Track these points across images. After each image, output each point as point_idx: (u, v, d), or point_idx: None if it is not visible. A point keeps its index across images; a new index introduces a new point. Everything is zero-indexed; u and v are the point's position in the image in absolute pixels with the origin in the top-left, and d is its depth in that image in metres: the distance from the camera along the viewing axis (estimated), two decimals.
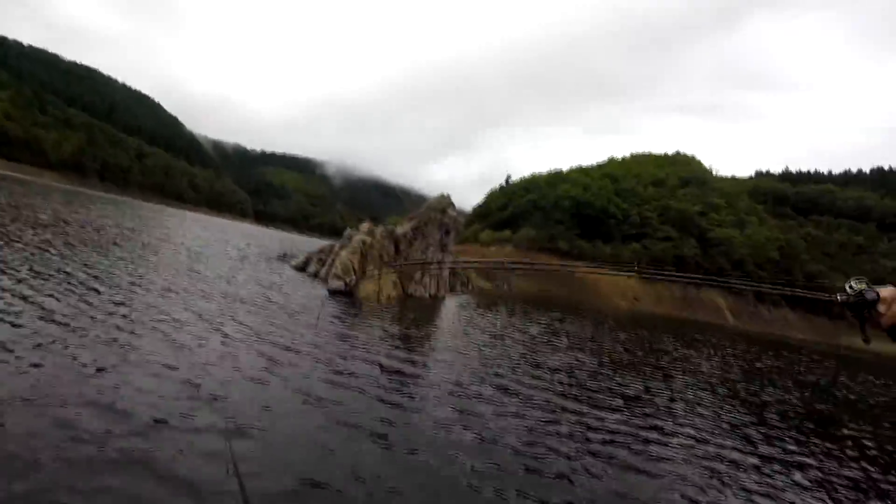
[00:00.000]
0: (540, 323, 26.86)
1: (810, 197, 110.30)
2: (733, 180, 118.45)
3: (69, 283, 12.69)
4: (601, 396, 12.83)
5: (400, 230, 28.71)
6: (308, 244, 57.53)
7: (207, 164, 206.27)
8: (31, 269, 13.00)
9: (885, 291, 1.88)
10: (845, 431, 13.79)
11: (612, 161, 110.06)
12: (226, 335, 11.49)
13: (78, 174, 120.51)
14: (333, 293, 21.70)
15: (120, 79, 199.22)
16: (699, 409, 13.33)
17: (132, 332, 10.02)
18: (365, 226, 27.35)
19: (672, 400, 13.93)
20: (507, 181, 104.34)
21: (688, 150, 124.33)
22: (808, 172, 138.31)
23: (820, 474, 9.77)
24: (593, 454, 8.71)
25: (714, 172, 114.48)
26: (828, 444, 11.95)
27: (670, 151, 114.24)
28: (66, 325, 9.42)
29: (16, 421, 5.76)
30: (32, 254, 15.05)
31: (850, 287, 1.99)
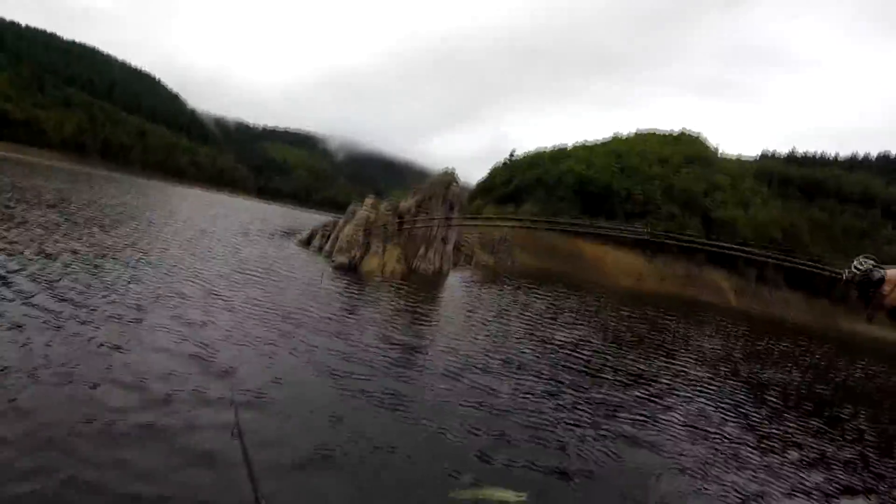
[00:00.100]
0: (544, 299, 26.91)
1: (815, 180, 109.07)
2: (738, 160, 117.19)
3: (77, 262, 12.74)
4: (605, 372, 12.92)
5: (404, 205, 28.60)
6: (311, 219, 57.50)
7: (209, 140, 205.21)
8: (39, 250, 13.03)
9: (892, 272, 1.88)
10: (843, 414, 13.88)
11: (616, 138, 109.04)
12: (233, 310, 11.57)
13: (79, 153, 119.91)
14: (338, 268, 21.74)
15: (119, 56, 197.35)
16: (701, 387, 13.42)
17: (142, 309, 10.10)
18: (369, 201, 27.26)
19: (675, 377, 14.01)
20: (510, 156, 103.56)
21: (693, 129, 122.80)
22: (814, 155, 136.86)
23: (817, 454, 9.89)
24: (597, 427, 8.82)
25: (719, 152, 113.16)
26: (825, 426, 12.06)
27: (676, 130, 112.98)
28: (77, 303, 9.49)
29: (31, 397, 5.83)
30: (40, 234, 15.06)
31: (857, 266, 1.99)
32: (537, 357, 13.08)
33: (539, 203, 78.65)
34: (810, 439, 10.84)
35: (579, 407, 9.74)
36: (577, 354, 14.31)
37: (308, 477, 5.41)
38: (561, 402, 9.82)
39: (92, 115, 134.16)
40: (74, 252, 13.65)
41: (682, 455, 8.29)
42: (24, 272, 10.67)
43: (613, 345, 17.15)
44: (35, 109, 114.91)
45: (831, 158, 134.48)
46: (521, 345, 14.21)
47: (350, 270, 21.86)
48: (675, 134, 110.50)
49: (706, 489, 7.26)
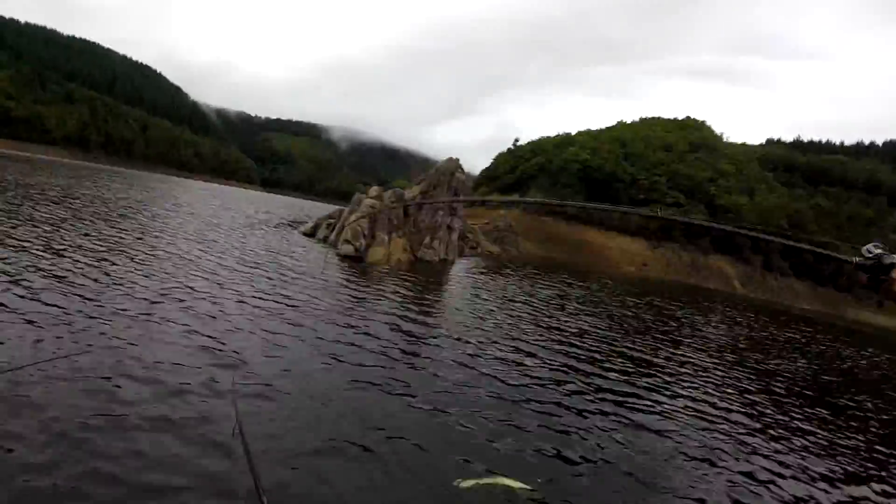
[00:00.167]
0: (549, 287, 26.91)
1: (821, 167, 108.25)
2: (743, 147, 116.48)
3: (85, 257, 12.78)
4: (612, 360, 12.95)
5: (409, 194, 28.61)
6: (315, 209, 57.54)
7: (211, 132, 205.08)
8: (46, 246, 13.08)
9: None
10: (849, 403, 13.87)
11: (621, 125, 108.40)
12: (241, 301, 11.61)
13: (82, 149, 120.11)
14: (343, 258, 21.78)
15: (120, 51, 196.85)
16: (707, 375, 13.47)
17: (150, 302, 10.14)
18: (374, 190, 27.28)
19: (681, 365, 14.05)
20: (514, 144, 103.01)
21: (698, 115, 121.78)
22: (820, 142, 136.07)
23: (823, 442, 9.90)
24: (605, 414, 8.87)
25: (724, 138, 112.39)
26: (831, 415, 12.05)
27: (680, 116, 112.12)
28: (87, 297, 9.54)
29: (44, 391, 5.87)
30: (46, 230, 15.09)
31: (868, 252, 1.98)
32: (544, 345, 13.10)
33: (543, 190, 78.44)
34: (816, 427, 10.86)
35: (587, 394, 9.77)
36: (583, 342, 14.33)
37: (315, 465, 5.45)
38: (568, 390, 9.86)
39: (94, 109, 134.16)
40: (81, 247, 13.70)
41: (689, 442, 8.31)
42: (32, 268, 10.72)
43: (620, 333, 17.16)
44: (37, 106, 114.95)
45: (837, 145, 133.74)
46: (528, 333, 14.24)
47: (356, 260, 21.89)
48: (680, 120, 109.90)
49: (713, 476, 7.29)
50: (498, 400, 8.54)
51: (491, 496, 5.44)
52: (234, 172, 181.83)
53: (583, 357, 12.69)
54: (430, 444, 6.49)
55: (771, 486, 7.34)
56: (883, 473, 8.99)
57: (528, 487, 5.72)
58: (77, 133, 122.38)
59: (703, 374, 13.40)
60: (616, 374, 11.66)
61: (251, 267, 16.01)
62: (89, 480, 4.59)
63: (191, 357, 7.70)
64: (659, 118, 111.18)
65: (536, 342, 13.28)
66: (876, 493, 8.04)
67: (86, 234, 15.64)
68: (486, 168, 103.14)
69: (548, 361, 11.60)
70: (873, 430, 11.68)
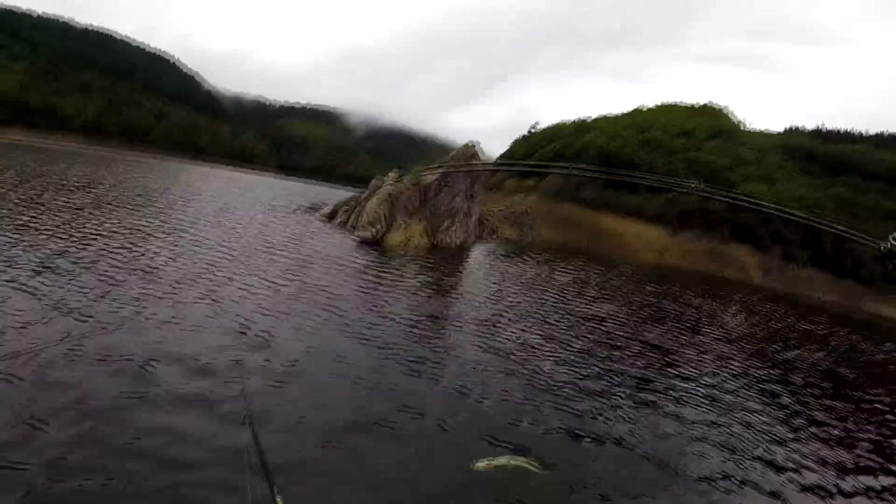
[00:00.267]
0: (567, 272, 26.75)
1: (842, 156, 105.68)
2: (763, 134, 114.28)
3: (109, 243, 12.95)
4: (631, 346, 12.91)
5: (427, 179, 28.45)
6: (332, 194, 57.66)
7: (228, 118, 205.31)
8: (71, 233, 13.24)
9: None
10: (865, 396, 13.66)
11: (639, 110, 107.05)
12: (265, 285, 11.72)
13: (100, 137, 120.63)
14: (362, 243, 21.75)
15: (136, 40, 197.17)
16: (726, 363, 13.40)
17: (176, 284, 10.29)
18: (392, 175, 27.17)
19: (700, 353, 13.96)
20: (531, 130, 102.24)
21: (718, 102, 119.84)
22: (840, 131, 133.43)
23: (839, 433, 9.83)
24: (622, 397, 8.95)
25: (744, 126, 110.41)
26: (848, 407, 11.93)
27: (700, 102, 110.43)
28: (117, 281, 9.77)
29: (74, 371, 5.96)
30: (71, 218, 15.26)
31: (895, 238, 1.89)
32: (564, 329, 13.07)
33: (561, 176, 77.78)
34: (833, 418, 10.82)
35: (605, 378, 9.77)
36: (602, 327, 14.27)
37: (341, 441, 5.51)
38: (587, 373, 9.87)
39: (110, 99, 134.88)
40: (105, 233, 13.87)
41: (708, 428, 8.36)
42: (59, 253, 10.88)
43: (638, 319, 17.04)
44: (54, 97, 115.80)
45: (858, 135, 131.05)
46: (547, 318, 14.18)
47: (374, 245, 21.85)
48: (699, 107, 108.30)
49: (733, 461, 7.31)
50: (518, 381, 8.59)
51: (504, 476, 5.51)
52: (251, 158, 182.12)
53: (602, 342, 12.65)
54: (452, 423, 6.59)
55: (789, 474, 7.39)
56: (892, 463, 8.92)
57: (539, 467, 5.82)
58: (94, 122, 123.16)
59: (722, 363, 13.33)
60: (635, 360, 11.62)
61: (273, 251, 16.10)
62: (118, 455, 4.65)
63: (218, 337, 7.78)
64: (678, 104, 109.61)
65: (556, 327, 13.24)
66: (891, 484, 8.01)
67: (109, 221, 15.79)
68: (503, 154, 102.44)
69: (567, 345, 11.58)
70: (890, 423, 11.52)
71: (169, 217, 18.92)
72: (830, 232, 72.93)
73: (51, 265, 9.84)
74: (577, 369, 10.00)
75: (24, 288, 8.23)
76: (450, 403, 7.18)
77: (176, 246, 13.96)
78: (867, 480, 7.80)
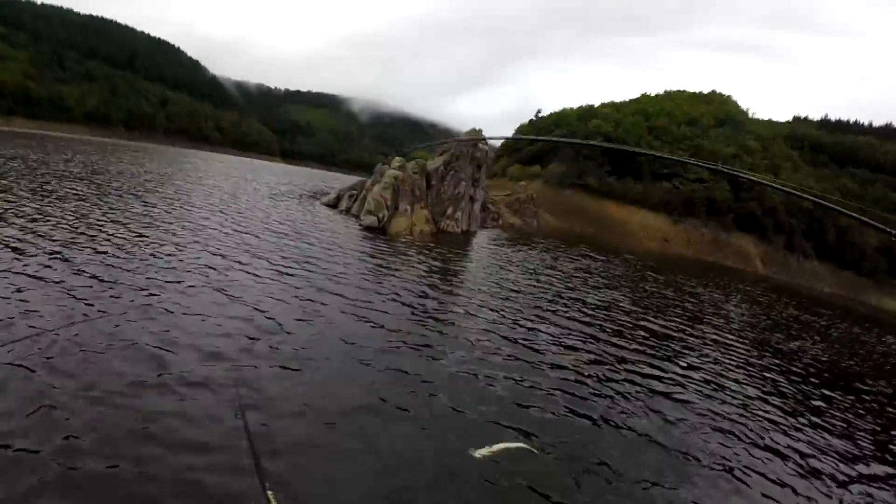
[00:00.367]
0: (571, 260, 26.80)
1: (848, 147, 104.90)
2: (769, 123, 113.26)
3: (117, 230, 13.04)
4: (635, 333, 13.01)
5: (432, 165, 28.46)
6: (336, 180, 57.79)
7: (231, 105, 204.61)
8: (79, 221, 13.28)
9: None
10: (865, 387, 13.72)
11: (644, 97, 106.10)
12: (271, 270, 11.77)
13: (103, 125, 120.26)
14: (366, 229, 21.81)
15: (138, 27, 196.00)
16: (728, 352, 13.46)
17: (184, 270, 10.33)
18: (396, 161, 27.16)
19: (703, 342, 14.04)
20: (536, 115, 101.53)
21: (724, 90, 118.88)
22: (848, 122, 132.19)
23: (840, 423, 9.88)
24: (627, 383, 9.12)
25: (751, 114, 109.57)
26: (849, 398, 11.98)
27: (706, 90, 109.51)
28: (124, 269, 9.84)
29: (88, 357, 6.08)
30: (77, 206, 15.29)
31: None
32: (568, 316, 13.15)
33: (565, 162, 77.59)
34: (834, 408, 10.90)
35: (610, 364, 9.89)
36: (607, 315, 14.36)
37: (346, 424, 5.61)
38: (592, 359, 10.01)
39: (113, 87, 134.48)
40: (113, 221, 13.96)
41: (711, 415, 8.43)
42: (68, 243, 10.92)
43: (642, 307, 17.10)
44: (57, 85, 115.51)
45: (865, 126, 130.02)
46: (552, 304, 14.27)
47: (379, 231, 21.90)
48: (705, 94, 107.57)
49: (735, 447, 7.41)
50: (523, 366, 8.70)
51: (505, 461, 5.56)
52: (254, 145, 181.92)
53: (607, 328, 12.76)
54: (458, 406, 6.71)
55: (790, 460, 7.50)
56: (892, 452, 9.02)
57: (540, 451, 5.91)
58: (98, 110, 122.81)
59: (725, 352, 13.41)
60: (639, 347, 11.71)
61: (278, 237, 16.19)
62: (128, 440, 4.76)
63: (225, 322, 7.90)
64: (684, 91, 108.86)
65: (560, 314, 13.32)
66: (885, 470, 8.16)
67: (116, 209, 15.86)
68: (507, 139, 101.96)
69: (571, 332, 11.67)
70: (888, 414, 11.63)
71: (174, 204, 18.98)
72: (842, 219, 72.87)
73: (58, 254, 9.90)
74: (581, 355, 10.09)
75: (32, 276, 8.30)
76: (456, 387, 7.27)
77: (182, 233, 14.04)
78: (864, 468, 7.93)
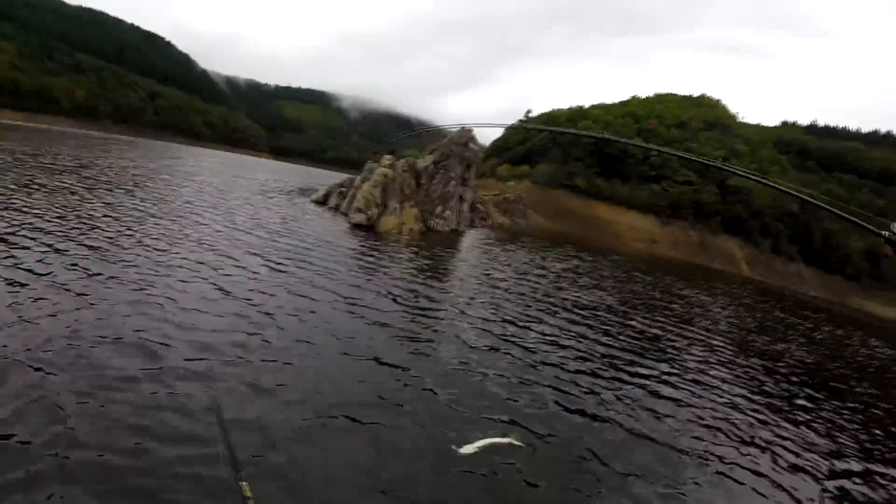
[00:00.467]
0: (559, 260, 26.93)
1: (835, 153, 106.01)
2: (758, 127, 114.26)
3: (108, 226, 13.00)
4: (623, 332, 13.14)
5: (421, 164, 28.49)
6: (325, 177, 57.63)
7: (221, 100, 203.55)
8: (71, 217, 13.22)
9: None
10: (849, 388, 13.98)
11: (634, 99, 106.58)
12: (260, 268, 11.80)
13: (91, 118, 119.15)
14: (356, 227, 21.81)
15: (128, 20, 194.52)
16: (715, 353, 13.62)
17: (175, 266, 10.37)
18: (386, 159, 27.15)
19: (690, 342, 14.16)
20: (526, 115, 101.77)
21: (714, 94, 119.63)
22: (836, 128, 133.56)
23: (826, 423, 10.09)
24: (615, 380, 9.25)
25: (739, 118, 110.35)
26: (832, 398, 12.19)
27: (695, 93, 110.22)
28: (119, 261, 9.89)
29: (81, 350, 6.11)
30: (66, 200, 15.22)
31: None
32: (556, 315, 13.26)
33: (554, 163, 77.85)
34: (818, 407, 11.11)
35: (598, 363, 10.00)
36: (595, 315, 14.48)
37: (317, 432, 5.61)
38: (580, 357, 10.12)
39: (102, 79, 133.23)
40: (102, 216, 13.89)
41: (695, 409, 8.61)
42: (59, 237, 10.89)
43: (630, 307, 17.25)
44: (45, 77, 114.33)
45: (853, 132, 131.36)
46: (540, 303, 14.37)
47: (368, 229, 21.91)
48: (695, 98, 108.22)
49: (718, 441, 7.52)
50: (511, 362, 8.84)
51: (493, 457, 5.60)
52: (244, 140, 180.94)
53: (595, 327, 12.88)
54: (447, 401, 6.75)
55: (776, 457, 7.65)
56: (874, 450, 9.27)
57: (527, 445, 5.97)
58: (86, 103, 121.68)
59: (712, 352, 13.56)
60: (627, 346, 11.85)
61: (269, 234, 16.26)
62: (121, 430, 4.80)
63: (218, 316, 7.98)
64: (674, 94, 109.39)
65: (549, 312, 13.44)
66: (867, 466, 8.34)
67: (103, 203, 15.76)
68: (497, 139, 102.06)
69: (559, 330, 11.79)
70: (871, 414, 11.84)
71: (164, 199, 18.91)
72: (828, 224, 73.38)
73: (49, 247, 9.87)
74: (570, 353, 10.20)
75: (24, 270, 8.28)
76: (447, 382, 7.34)
77: (172, 228, 14.02)
78: (846, 464, 8.13)
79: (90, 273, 8.76)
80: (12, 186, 15.60)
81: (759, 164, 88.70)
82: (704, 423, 8.16)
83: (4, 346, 5.76)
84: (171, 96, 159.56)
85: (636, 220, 72.84)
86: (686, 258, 66.21)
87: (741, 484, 6.54)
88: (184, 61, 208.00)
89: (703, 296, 27.26)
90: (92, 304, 7.43)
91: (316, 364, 7.00)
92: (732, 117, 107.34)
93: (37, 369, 5.44)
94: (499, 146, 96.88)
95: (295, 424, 5.46)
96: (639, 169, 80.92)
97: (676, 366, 11.23)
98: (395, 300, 11.27)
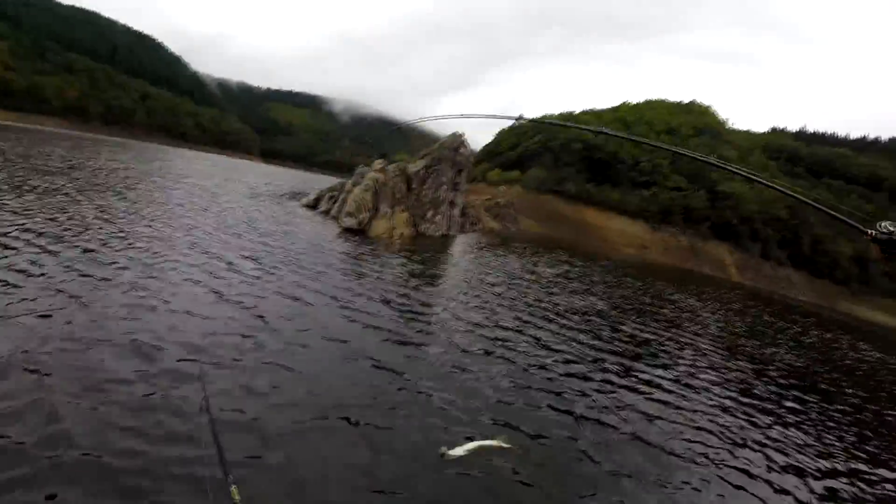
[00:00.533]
0: (550, 265, 27.06)
1: (824, 159, 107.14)
2: (748, 134, 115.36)
3: (99, 227, 12.97)
4: (614, 337, 13.23)
5: (412, 168, 28.55)
6: (316, 181, 57.69)
7: (212, 103, 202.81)
8: (58, 218, 13.17)
9: None
10: (837, 391, 14.17)
11: (625, 105, 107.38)
12: (253, 271, 11.83)
13: (82, 119, 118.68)
14: (346, 231, 21.85)
15: (121, 20, 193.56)
16: (705, 357, 13.74)
17: (168, 269, 10.43)
18: (377, 163, 27.22)
19: (681, 347, 14.26)
20: (518, 120, 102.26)
21: (703, 100, 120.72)
22: (824, 134, 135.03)
23: (816, 427, 10.22)
24: (605, 383, 9.28)
25: (729, 125, 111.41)
26: (824, 403, 12.31)
27: (685, 99, 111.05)
28: (107, 264, 9.82)
29: (73, 353, 6.13)
30: (57, 202, 15.16)
31: (885, 227, 2.14)
32: (547, 320, 13.33)
33: (545, 168, 78.20)
34: (808, 410, 11.28)
35: (589, 367, 10.06)
36: (586, 320, 14.57)
37: (306, 432, 5.63)
38: (571, 361, 10.18)
39: (93, 79, 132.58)
40: (94, 218, 13.83)
41: (685, 412, 8.68)
42: (51, 239, 10.85)
43: (620, 312, 17.37)
44: (37, 77, 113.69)
45: (841, 138, 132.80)
46: (531, 307, 14.44)
47: (359, 233, 21.95)
48: (685, 104, 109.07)
49: (709, 443, 7.59)
50: (505, 365, 8.91)
51: (480, 459, 5.64)
52: (234, 143, 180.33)
53: (586, 331, 12.99)
54: (444, 401, 6.82)
55: (766, 457, 7.77)
56: (862, 451, 9.40)
57: (515, 447, 5.99)
58: (77, 103, 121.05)
59: (702, 356, 13.68)
60: (618, 349, 11.95)
61: (261, 237, 16.29)
62: (114, 431, 4.83)
63: (212, 318, 8.00)
64: (664, 101, 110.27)
65: (541, 316, 13.52)
66: (856, 467, 8.49)
67: (95, 205, 15.71)
68: (488, 144, 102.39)
69: (552, 335, 11.86)
70: (860, 416, 12.02)
71: (156, 202, 18.87)
72: (817, 229, 73.88)
73: (42, 248, 9.86)
74: (561, 357, 10.27)
75: (16, 271, 8.28)
76: (440, 384, 7.39)
77: (164, 230, 14.01)
78: (835, 464, 8.25)
79: (82, 274, 8.76)
80: (4, 187, 15.55)
81: (748, 170, 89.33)
82: (696, 425, 8.27)
83: None
84: (162, 98, 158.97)
85: (626, 226, 73.27)
86: (676, 263, 66.61)
87: (732, 484, 6.64)
88: (175, 62, 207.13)
89: (693, 300, 27.47)
90: (85, 305, 7.44)
91: (309, 366, 7.05)
92: (722, 123, 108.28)
93: (31, 371, 5.45)
94: (490, 151, 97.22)
95: (289, 426, 5.50)
96: (629, 175, 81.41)
97: (667, 369, 11.34)
98: (387, 304, 11.32)
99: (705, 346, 15.04)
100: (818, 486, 7.33)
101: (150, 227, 14.02)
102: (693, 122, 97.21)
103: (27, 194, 15.30)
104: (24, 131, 55.64)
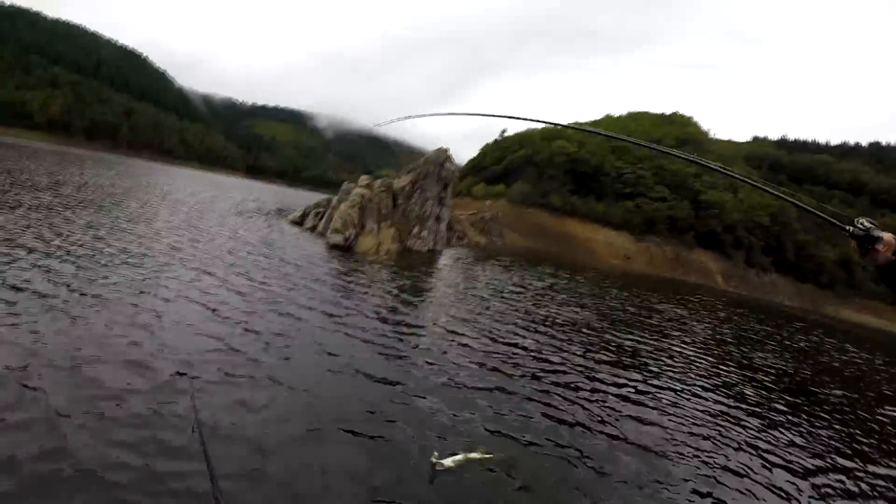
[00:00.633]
0: (536, 278, 27.22)
1: (805, 166, 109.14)
2: (730, 143, 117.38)
3: (86, 243, 12.92)
4: (602, 348, 13.31)
5: (398, 183, 28.71)
6: (301, 197, 57.72)
7: (197, 118, 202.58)
8: (43, 234, 13.12)
9: (888, 236, 2.23)
10: (825, 394, 14.38)
11: (608, 118, 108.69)
12: (243, 287, 11.84)
13: (65, 134, 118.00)
14: (333, 247, 21.92)
15: (106, 34, 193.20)
16: (693, 365, 13.82)
17: (158, 285, 10.43)
18: (363, 179, 27.37)
19: (669, 356, 14.37)
20: (501, 135, 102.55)
21: (686, 111, 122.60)
22: (805, 141, 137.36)
23: (806, 428, 10.41)
24: (594, 392, 9.32)
25: (711, 135, 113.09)
26: (810, 405, 12.53)
27: (668, 111, 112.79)
28: (94, 280, 9.83)
29: (63, 366, 6.17)
30: (41, 218, 15.05)
31: (862, 224, 2.34)
32: (534, 333, 13.39)
33: (530, 182, 78.71)
34: (796, 413, 11.37)
35: (578, 379, 10.09)
36: (574, 331, 14.66)
37: (300, 446, 5.65)
38: (560, 372, 10.21)
39: (78, 94, 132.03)
40: (80, 234, 13.79)
41: (677, 419, 8.73)
42: (38, 255, 10.84)
43: (608, 323, 17.49)
44: (20, 91, 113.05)
45: (822, 145, 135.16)
46: (518, 320, 14.54)
47: (346, 250, 22.03)
48: (667, 115, 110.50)
49: (708, 451, 7.69)
50: (496, 377, 8.99)
51: (469, 470, 5.68)
52: (219, 160, 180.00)
53: (576, 342, 13.12)
54: (437, 413, 6.91)
55: (758, 459, 7.87)
56: (852, 449, 9.51)
57: (495, 455, 6.04)
58: (61, 118, 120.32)
59: (690, 365, 13.76)
60: (608, 359, 12.07)
61: (249, 254, 16.28)
62: (106, 444, 4.87)
63: (201, 333, 8.04)
64: (647, 113, 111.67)
65: (529, 329, 13.60)
66: (847, 465, 8.67)
67: (81, 221, 15.68)
68: (473, 158, 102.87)
69: (542, 346, 11.96)
70: (849, 416, 12.21)
71: (143, 219, 18.87)
72: (800, 234, 74.73)
73: (33, 264, 9.89)
74: (551, 367, 10.33)
75: (8, 287, 8.34)
76: (431, 396, 7.47)
77: (153, 247, 14.02)
78: (826, 463, 8.38)
79: (73, 290, 8.77)
80: None
81: (730, 180, 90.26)
82: (687, 430, 8.36)
83: None
84: (147, 113, 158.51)
85: (611, 237, 73.87)
86: (662, 273, 67.14)
87: (726, 486, 6.74)
88: (160, 78, 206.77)
89: (679, 309, 27.69)
90: (76, 321, 7.44)
91: (303, 380, 7.11)
92: (704, 134, 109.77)
93: (26, 386, 5.52)
94: (474, 165, 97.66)
95: (284, 439, 5.58)
96: (613, 187, 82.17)
97: (657, 377, 11.43)
98: (377, 318, 11.39)
99: (693, 354, 15.16)
100: (810, 484, 7.45)
101: (139, 244, 14.03)
102: (676, 133, 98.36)
103: (16, 209, 15.32)
104: (8, 146, 55.23)
